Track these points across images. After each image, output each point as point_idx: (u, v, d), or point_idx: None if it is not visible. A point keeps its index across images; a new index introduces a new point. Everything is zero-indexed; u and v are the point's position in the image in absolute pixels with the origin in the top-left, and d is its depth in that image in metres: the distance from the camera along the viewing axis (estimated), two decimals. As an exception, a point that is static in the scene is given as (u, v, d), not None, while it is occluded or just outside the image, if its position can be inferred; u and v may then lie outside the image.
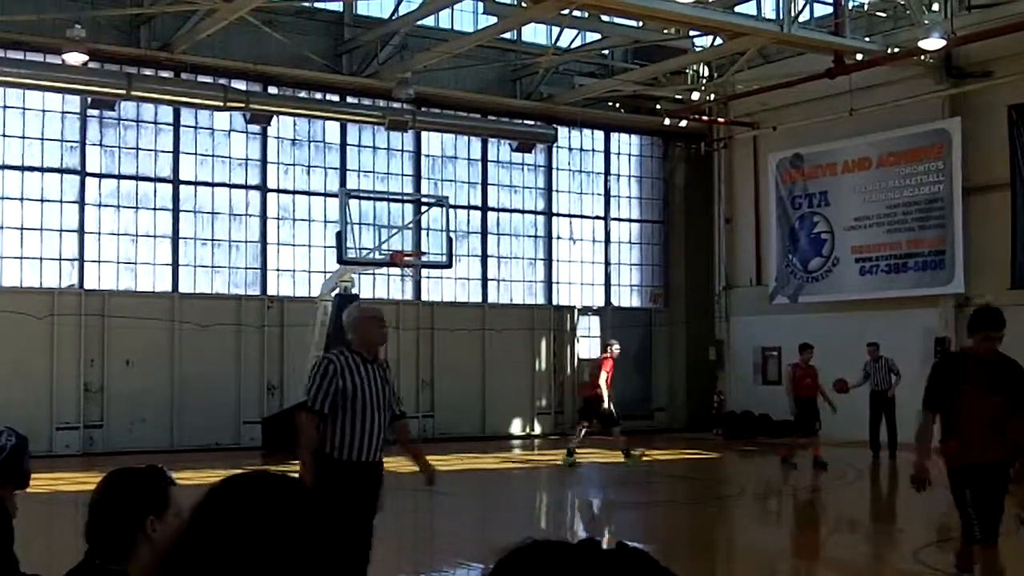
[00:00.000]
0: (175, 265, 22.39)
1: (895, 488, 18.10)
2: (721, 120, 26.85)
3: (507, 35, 23.81)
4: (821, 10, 22.88)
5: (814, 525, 14.71)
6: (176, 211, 22.45)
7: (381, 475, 7.09)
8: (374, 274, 23.96)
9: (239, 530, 1.68)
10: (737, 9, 22.42)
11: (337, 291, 21.57)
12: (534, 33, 25.69)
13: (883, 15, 23.41)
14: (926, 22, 20.79)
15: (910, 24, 21.68)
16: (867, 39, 21.97)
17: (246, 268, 23.24)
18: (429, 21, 23.17)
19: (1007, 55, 20.84)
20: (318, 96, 23.22)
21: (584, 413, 19.53)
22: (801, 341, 19.32)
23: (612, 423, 18.80)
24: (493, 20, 22.13)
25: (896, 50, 21.67)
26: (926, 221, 22.68)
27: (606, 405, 18.53)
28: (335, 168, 24.11)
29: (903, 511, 15.65)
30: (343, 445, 6.80)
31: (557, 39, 24.54)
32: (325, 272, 23.02)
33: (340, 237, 21.10)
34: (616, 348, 18.98)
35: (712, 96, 26.22)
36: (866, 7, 23.54)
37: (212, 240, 22.90)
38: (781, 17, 20.23)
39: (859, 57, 21.63)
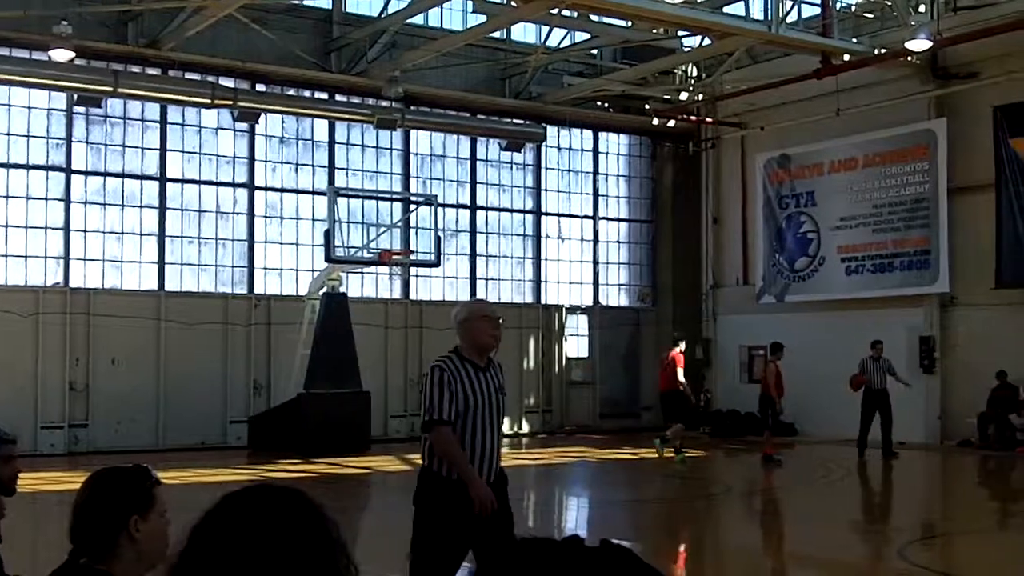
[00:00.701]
0: (161, 263, 22.32)
1: (880, 487, 18.18)
2: (709, 120, 26.90)
3: (496, 34, 23.82)
4: (809, 11, 22.95)
5: (800, 523, 14.75)
6: (163, 209, 22.39)
7: (504, 488, 6.12)
8: (362, 273, 23.94)
9: (241, 551, 1.59)
10: (725, 9, 22.49)
11: (325, 290, 21.56)
12: (524, 32, 25.70)
13: (870, 16, 23.48)
14: (912, 23, 20.87)
15: (897, 25, 21.76)
16: (854, 40, 22.03)
17: (233, 266, 23.18)
18: (418, 19, 23.17)
19: (992, 56, 20.94)
20: (306, 94, 23.17)
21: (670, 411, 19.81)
22: (784, 341, 19.48)
23: (682, 418, 19.37)
24: (482, 19, 22.14)
25: (883, 51, 21.74)
26: (911, 221, 22.77)
27: (691, 399, 19.47)
28: (323, 166, 24.08)
29: (888, 509, 15.72)
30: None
31: (546, 38, 24.56)
32: (313, 271, 22.99)
33: (328, 235, 21.06)
34: (683, 344, 19.53)
35: (700, 96, 26.27)
36: (853, 8, 23.61)
37: (199, 238, 22.84)
38: (769, 18, 20.28)
39: (846, 58, 21.69)
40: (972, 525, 13.33)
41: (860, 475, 18.91)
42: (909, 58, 21.50)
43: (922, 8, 21.65)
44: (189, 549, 1.64)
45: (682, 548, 11.83)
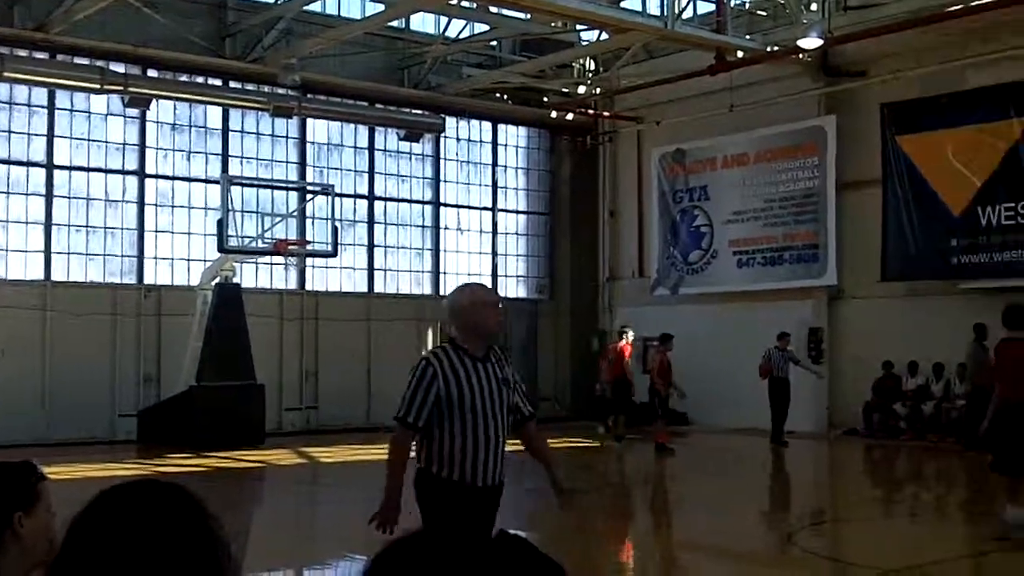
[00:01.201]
0: (48, 252, 21.71)
1: (770, 475, 18.56)
2: (606, 114, 27.14)
3: (395, 24, 23.69)
4: (704, 8, 23.27)
5: (692, 511, 14.99)
6: (49, 196, 21.76)
7: (498, 500, 5.60)
8: (256, 263, 23.62)
9: (120, 547, 1.54)
10: (623, 4, 22.70)
11: (218, 280, 21.23)
12: (423, 23, 25.60)
13: (763, 14, 23.91)
14: (804, 21, 21.31)
15: (789, 23, 22.21)
16: (747, 37, 22.41)
17: (122, 256, 22.65)
18: (316, 7, 22.88)
19: (881, 55, 21.51)
20: (200, 80, 22.75)
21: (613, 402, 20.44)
22: (678, 332, 19.82)
23: (625, 408, 20.22)
24: (381, 8, 21.99)
25: (775, 48, 22.16)
26: (801, 216, 23.29)
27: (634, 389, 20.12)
28: (217, 154, 23.67)
29: (778, 497, 16.06)
30: (452, 464, 5.43)
31: (445, 29, 24.50)
32: (205, 260, 22.59)
33: (221, 225, 20.74)
34: (631, 335, 19.85)
35: (597, 90, 26.48)
36: (747, 6, 24.01)
37: (87, 227, 22.27)
38: (665, 14, 20.51)
39: (739, 55, 22.06)
40: (858, 512, 13.69)
41: (750, 463, 19.28)
42: (800, 56, 21.95)
43: (814, 7, 22.11)
44: (68, 544, 1.61)
45: (578, 537, 11.91)
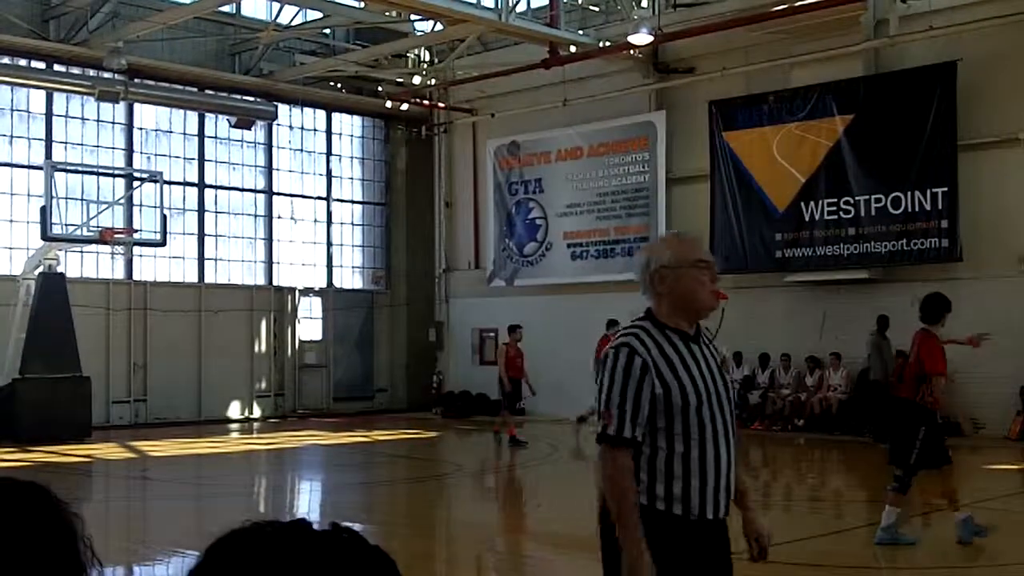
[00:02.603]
0: None
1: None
2: (441, 105, 27.16)
3: (226, 8, 23.19)
4: (538, 2, 23.52)
5: (528, 500, 15.22)
6: None
7: (727, 537, 3.96)
8: (82, 251, 22.83)
9: None
10: (458, -4, 22.74)
11: (41, 269, 20.47)
12: (254, 8, 25.13)
13: (595, 9, 24.33)
14: (635, 18, 21.77)
15: (621, 19, 22.65)
16: (580, 32, 22.78)
17: (-62, 244, 21.62)
18: (143, -10, 22.24)
19: (708, 53, 22.13)
20: (22, 63, 21.82)
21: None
22: (516, 322, 19.91)
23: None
24: (211, -8, 21.48)
25: (607, 44, 22.57)
26: (632, 209, 23.81)
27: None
28: (40, 139, 22.77)
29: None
30: (672, 492, 3.77)
31: (277, 15, 24.12)
32: (28, 249, 21.72)
33: (44, 212, 20.00)
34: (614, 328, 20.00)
35: (433, 81, 26.49)
36: (580, 1, 24.37)
37: (-102, 213, 21.15)
38: (499, 6, 20.67)
39: (572, 49, 22.40)
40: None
41: (583, 452, 19.62)
42: (632, 52, 22.41)
43: (644, 3, 22.61)
44: None
45: (412, 528, 11.96)
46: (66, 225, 20.82)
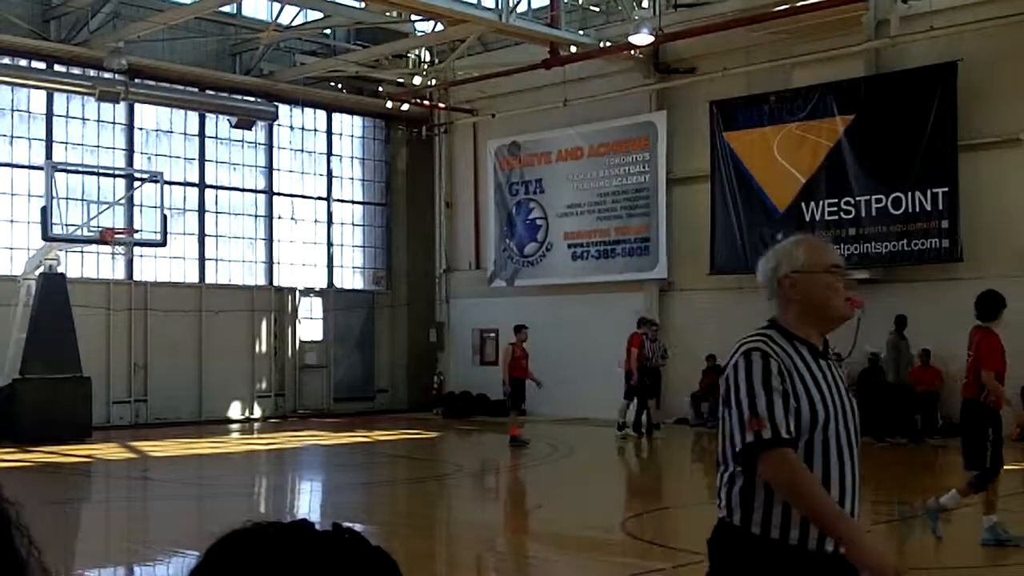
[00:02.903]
0: None
1: (603, 463, 18.92)
2: (442, 105, 27.17)
3: (226, 8, 23.20)
4: (539, 2, 23.54)
5: (527, 500, 15.22)
6: None
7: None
8: (82, 252, 22.84)
9: None
10: (459, -4, 22.74)
11: (41, 270, 20.48)
12: (255, 8, 25.14)
13: (596, 9, 24.33)
14: (636, 18, 21.77)
15: (621, 20, 22.65)
16: (581, 32, 22.78)
17: (-62, 244, 21.62)
18: (144, -10, 22.26)
19: (709, 53, 22.12)
20: (23, 63, 21.83)
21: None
22: (516, 323, 19.89)
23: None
24: (212, -7, 21.48)
25: (608, 44, 22.57)
26: (633, 210, 23.81)
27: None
28: (40, 139, 22.78)
29: (612, 485, 16.40)
30: (791, 519, 3.40)
31: (278, 16, 24.12)
32: (29, 249, 21.72)
33: (45, 212, 20.01)
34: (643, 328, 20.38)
35: (433, 81, 26.50)
36: (580, 1, 24.38)
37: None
38: (500, 7, 20.68)
39: (573, 49, 22.40)
40: (691, 498, 14.12)
41: (583, 452, 19.63)
42: (632, 52, 22.41)
43: (645, 4, 22.62)
44: None
45: (413, 528, 11.96)
46: (67, 225, 20.82)
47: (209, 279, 25.18)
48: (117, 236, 21.64)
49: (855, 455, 3.51)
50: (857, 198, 20.38)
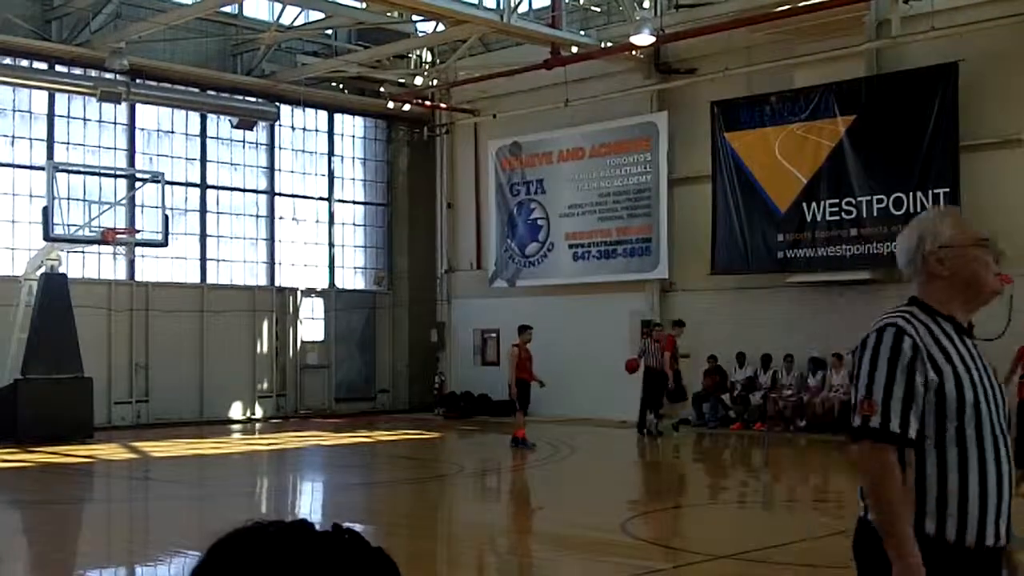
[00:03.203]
0: None
1: (604, 463, 18.92)
2: (443, 106, 27.17)
3: (228, 9, 23.20)
4: (540, 2, 23.54)
5: (529, 501, 15.22)
6: None
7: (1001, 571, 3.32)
8: (84, 252, 22.85)
9: None
10: (460, -4, 22.75)
11: (43, 270, 20.49)
12: (256, 9, 25.14)
13: (597, 10, 24.33)
14: (637, 19, 21.77)
15: (622, 20, 22.65)
16: (582, 33, 22.77)
17: (-60, 245, 21.63)
18: (145, -10, 22.26)
19: (710, 53, 22.13)
20: (24, 63, 21.84)
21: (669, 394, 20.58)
22: (521, 323, 19.87)
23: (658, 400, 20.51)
24: (213, -7, 21.49)
25: (609, 45, 22.57)
26: (634, 210, 23.81)
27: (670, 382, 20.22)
28: (42, 140, 22.79)
29: (611, 486, 16.39)
30: (945, 512, 3.19)
31: (279, 16, 24.12)
32: (30, 249, 21.74)
33: (46, 213, 20.02)
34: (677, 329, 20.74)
35: (434, 81, 26.50)
36: (582, 1, 24.38)
37: (-100, 214, 21.16)
38: (501, 7, 20.68)
39: (574, 50, 22.40)
40: (691, 499, 14.12)
41: (584, 453, 19.63)
42: (633, 52, 22.41)
43: (646, 4, 22.61)
44: None
45: (413, 529, 11.97)
46: (68, 226, 20.84)
47: (211, 279, 25.18)
48: (118, 236, 21.65)
49: (1007, 445, 3.25)
50: (858, 198, 20.37)
